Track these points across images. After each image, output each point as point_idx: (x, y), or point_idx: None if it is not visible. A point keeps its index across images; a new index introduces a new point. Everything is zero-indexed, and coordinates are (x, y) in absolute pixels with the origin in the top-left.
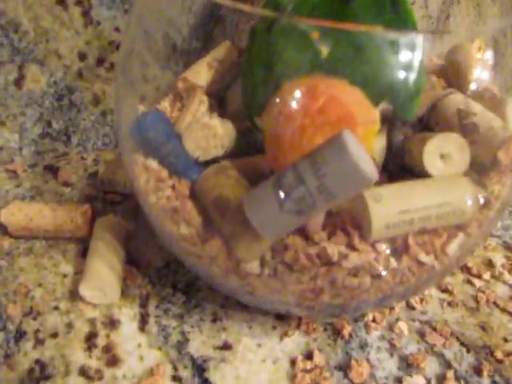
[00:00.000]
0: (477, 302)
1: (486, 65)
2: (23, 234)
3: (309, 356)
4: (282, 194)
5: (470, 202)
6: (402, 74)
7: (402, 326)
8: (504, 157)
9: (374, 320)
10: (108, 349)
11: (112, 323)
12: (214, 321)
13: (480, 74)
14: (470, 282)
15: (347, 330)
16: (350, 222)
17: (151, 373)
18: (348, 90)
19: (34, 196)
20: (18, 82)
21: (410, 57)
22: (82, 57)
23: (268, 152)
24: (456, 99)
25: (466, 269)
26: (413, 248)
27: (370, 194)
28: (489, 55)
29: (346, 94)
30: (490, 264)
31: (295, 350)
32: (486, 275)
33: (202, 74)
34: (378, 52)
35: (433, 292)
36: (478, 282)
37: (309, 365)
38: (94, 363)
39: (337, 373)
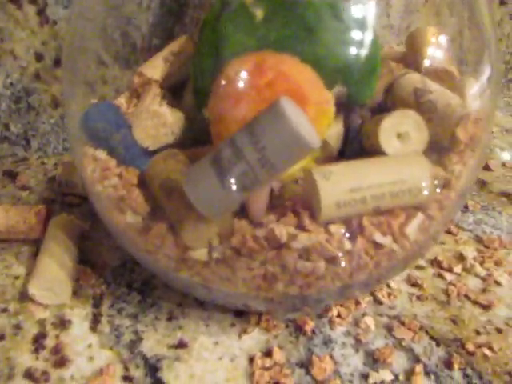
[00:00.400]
0: (447, 295)
1: (440, 46)
2: None
3: (268, 353)
4: (221, 170)
5: (426, 180)
6: (353, 55)
7: (369, 320)
8: (462, 134)
9: (338, 315)
10: (56, 350)
11: (62, 324)
12: (169, 319)
13: (434, 52)
14: (440, 276)
15: (310, 326)
16: (299, 202)
17: (100, 373)
18: (299, 67)
19: None
20: None
21: (360, 36)
22: (39, 57)
23: (214, 135)
24: (412, 78)
25: (436, 263)
26: (368, 228)
27: (318, 171)
28: (443, 39)
29: (297, 71)
30: (461, 257)
31: (254, 347)
32: (457, 268)
33: (157, 68)
34: (329, 32)
35: (401, 286)
36: (448, 276)
37: (268, 362)
38: (40, 365)
39: (298, 370)
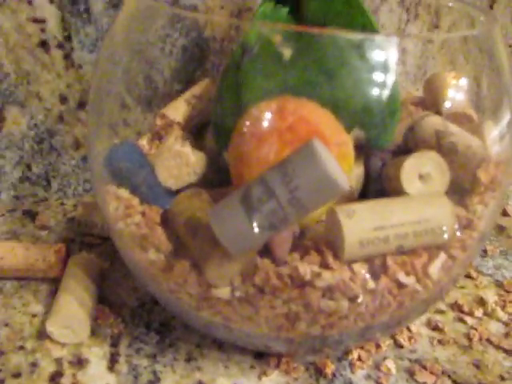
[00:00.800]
0: (469, 339)
1: (460, 89)
2: None
3: None
4: (251, 208)
5: (449, 220)
6: (373, 98)
7: (390, 364)
8: (483, 175)
9: (359, 358)
10: None
11: (80, 362)
12: (187, 360)
13: (454, 95)
14: (461, 320)
15: (330, 368)
16: (323, 241)
17: None
18: (317, 111)
19: (9, 239)
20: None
21: (380, 78)
22: (63, 100)
23: (235, 176)
24: (433, 121)
25: (456, 307)
26: (391, 267)
27: (342, 210)
28: (464, 81)
29: (316, 115)
30: (481, 302)
31: None
32: (478, 312)
33: (180, 109)
34: (349, 74)
35: (422, 330)
36: (469, 320)
37: None
38: None
39: None
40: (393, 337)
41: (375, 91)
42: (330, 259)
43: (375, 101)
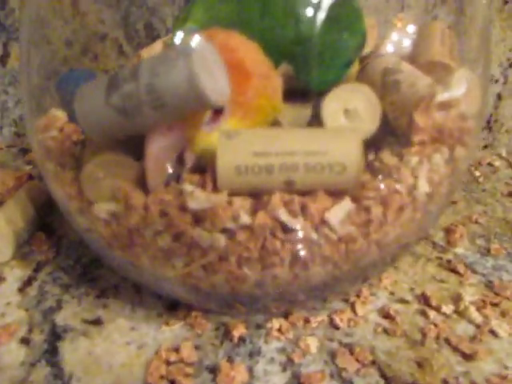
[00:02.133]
0: (423, 335)
1: (405, 33)
2: None
3: (177, 349)
4: (112, 86)
5: (353, 157)
6: (304, 34)
7: (312, 342)
8: (422, 119)
9: (279, 329)
10: None
11: None
12: (98, 297)
13: (396, 38)
14: (423, 314)
15: (239, 332)
16: (210, 167)
17: (0, 329)
18: (244, 43)
19: None
20: (2, 59)
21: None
22: (68, 44)
23: None
24: (386, 59)
25: (423, 298)
26: (272, 203)
27: (225, 131)
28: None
29: (241, 46)
30: (456, 299)
31: (170, 340)
32: (447, 309)
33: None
34: (281, 7)
35: (370, 315)
36: (433, 315)
37: (173, 357)
38: None
39: (206, 374)
40: (330, 315)
41: (305, 26)
42: (209, 184)
43: (306, 36)
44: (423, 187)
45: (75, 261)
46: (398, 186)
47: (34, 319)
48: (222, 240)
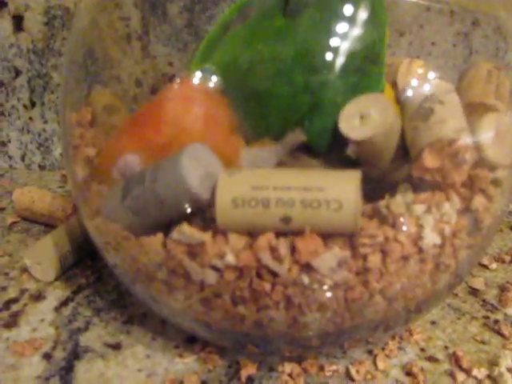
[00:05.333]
0: None
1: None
2: (26, 215)
3: (182, 382)
4: (126, 190)
5: (351, 195)
6: None
7: None
8: (430, 159)
9: (290, 374)
10: (14, 314)
11: (37, 297)
12: (124, 322)
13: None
14: (451, 375)
15: (247, 371)
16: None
17: (28, 343)
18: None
19: None
20: (86, 98)
21: None
22: (138, 84)
23: None
24: (437, 85)
25: (454, 358)
26: (258, 243)
27: (227, 170)
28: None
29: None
30: (493, 363)
31: (179, 372)
32: (479, 373)
33: None
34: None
35: (392, 370)
36: (461, 377)
37: None
38: None
39: None
40: (347, 365)
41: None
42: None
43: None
44: (430, 238)
45: (113, 287)
46: (398, 235)
47: (61, 337)
48: (212, 276)
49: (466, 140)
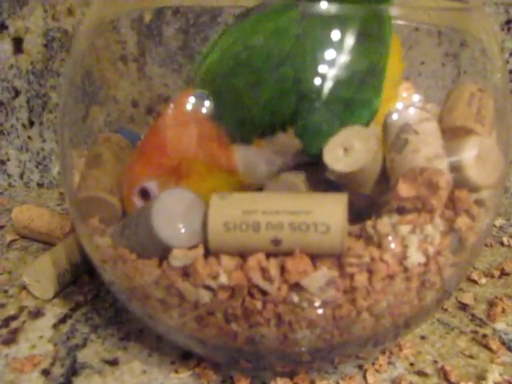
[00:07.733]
0: None
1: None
2: (25, 233)
3: None
4: (124, 229)
5: (338, 219)
6: None
7: None
8: (405, 189)
9: None
10: (13, 331)
11: (36, 314)
12: (121, 339)
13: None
14: None
15: None
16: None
17: (27, 359)
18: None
19: None
20: (84, 118)
21: None
22: (135, 104)
23: None
24: (412, 115)
25: (443, 372)
26: (248, 264)
27: (219, 193)
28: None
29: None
30: (481, 377)
31: None
32: None
33: None
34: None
35: None
36: None
37: None
38: None
39: None
40: (338, 380)
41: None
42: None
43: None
44: (415, 257)
45: (110, 304)
46: (384, 255)
47: (59, 353)
48: (205, 296)
49: (439, 166)
